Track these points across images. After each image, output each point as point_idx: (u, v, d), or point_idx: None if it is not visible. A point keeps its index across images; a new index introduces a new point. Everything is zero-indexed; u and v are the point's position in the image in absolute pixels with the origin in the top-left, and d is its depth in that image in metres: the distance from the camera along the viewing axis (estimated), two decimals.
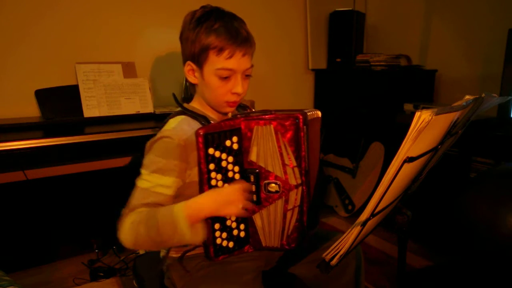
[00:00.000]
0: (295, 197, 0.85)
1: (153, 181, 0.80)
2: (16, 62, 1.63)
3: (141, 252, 1.72)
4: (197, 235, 0.76)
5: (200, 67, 0.88)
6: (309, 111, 0.86)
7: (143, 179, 0.81)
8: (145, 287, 1.02)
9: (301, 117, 0.81)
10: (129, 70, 1.80)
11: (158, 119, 1.71)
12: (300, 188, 0.84)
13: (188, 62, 0.90)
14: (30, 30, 1.64)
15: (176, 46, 2.10)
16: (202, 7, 0.89)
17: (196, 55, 0.87)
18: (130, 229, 0.76)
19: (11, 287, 1.01)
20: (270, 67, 2.40)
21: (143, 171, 0.82)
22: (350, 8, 2.40)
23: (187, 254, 0.90)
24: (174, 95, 0.99)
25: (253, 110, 0.93)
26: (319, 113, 0.93)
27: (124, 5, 1.85)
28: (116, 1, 1.82)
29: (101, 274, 1.65)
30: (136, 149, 1.51)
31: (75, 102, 1.64)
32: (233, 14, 0.90)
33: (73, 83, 1.70)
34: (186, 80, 1.90)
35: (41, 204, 1.68)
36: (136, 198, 0.80)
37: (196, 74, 0.90)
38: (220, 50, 0.84)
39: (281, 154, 0.83)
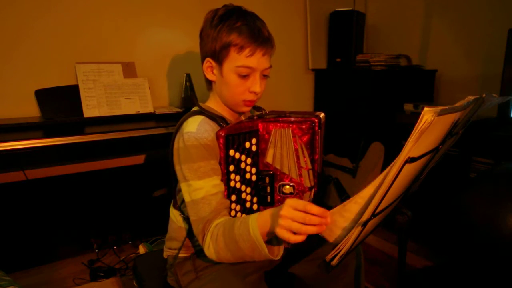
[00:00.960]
0: (308, 198, 0.85)
1: (206, 185, 0.80)
2: (16, 62, 1.63)
3: (141, 252, 1.72)
4: (273, 250, 0.75)
5: (220, 64, 0.88)
6: (320, 114, 0.86)
7: (195, 189, 0.80)
8: (145, 287, 1.02)
9: (316, 121, 0.82)
10: (129, 70, 1.80)
11: (158, 119, 1.70)
12: (312, 190, 0.85)
13: (208, 59, 0.90)
14: (30, 30, 1.64)
15: (176, 46, 2.09)
16: (225, 5, 0.90)
17: (216, 52, 0.87)
18: (211, 243, 0.77)
19: (11, 287, 1.01)
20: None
21: (190, 182, 0.81)
22: (350, 8, 2.40)
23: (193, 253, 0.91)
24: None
25: (267, 111, 0.92)
26: (324, 116, 0.93)
27: (124, 5, 1.84)
28: (116, 1, 1.82)
29: (101, 274, 1.65)
30: (136, 149, 1.51)
31: (75, 102, 1.64)
32: (255, 14, 0.90)
33: (73, 83, 1.70)
34: (187, 80, 1.90)
35: (41, 204, 1.68)
36: (201, 209, 0.80)
37: (215, 71, 0.91)
38: (241, 48, 0.85)
39: (298, 157, 0.84)
